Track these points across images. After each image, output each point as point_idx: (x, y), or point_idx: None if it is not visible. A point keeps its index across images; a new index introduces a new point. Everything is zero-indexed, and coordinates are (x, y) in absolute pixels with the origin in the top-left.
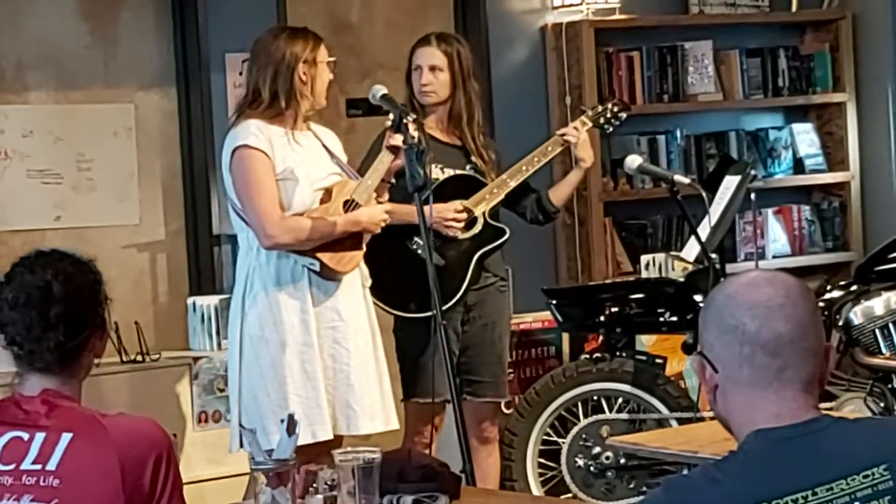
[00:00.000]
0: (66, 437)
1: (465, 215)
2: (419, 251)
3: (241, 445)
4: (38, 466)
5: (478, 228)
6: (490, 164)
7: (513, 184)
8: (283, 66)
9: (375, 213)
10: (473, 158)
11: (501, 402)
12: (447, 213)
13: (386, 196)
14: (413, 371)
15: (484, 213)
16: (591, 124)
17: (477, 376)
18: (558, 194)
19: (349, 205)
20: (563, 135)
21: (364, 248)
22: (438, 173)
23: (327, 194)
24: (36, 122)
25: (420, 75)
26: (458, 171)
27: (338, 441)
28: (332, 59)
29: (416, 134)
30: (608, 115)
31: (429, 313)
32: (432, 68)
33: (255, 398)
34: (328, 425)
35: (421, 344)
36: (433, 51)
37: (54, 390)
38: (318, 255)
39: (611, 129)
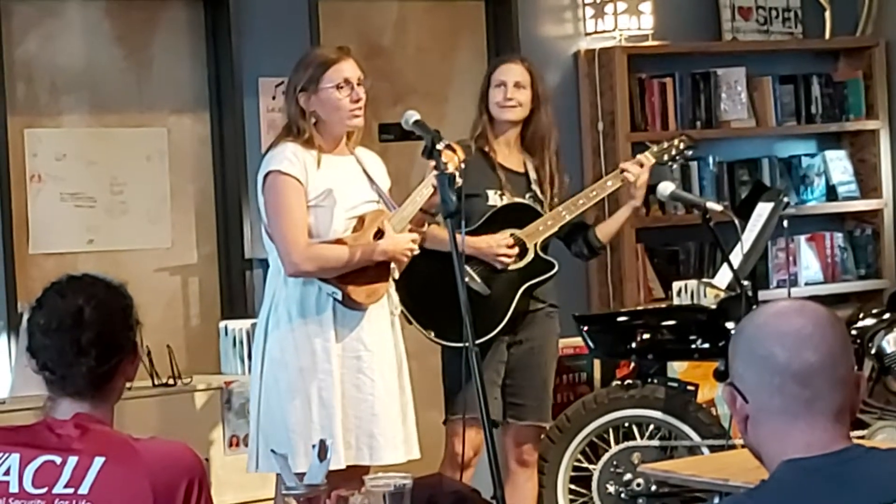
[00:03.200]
0: (98, 461)
1: (515, 250)
2: (468, 280)
3: (258, 466)
4: (71, 490)
5: (528, 260)
6: (560, 191)
7: (568, 217)
8: (289, 96)
9: (401, 242)
10: (534, 187)
11: (546, 427)
12: (499, 249)
13: (425, 227)
14: (455, 391)
15: (536, 245)
16: (654, 160)
17: (521, 399)
18: (605, 230)
19: (381, 235)
20: (623, 171)
21: (391, 280)
22: (497, 200)
23: (360, 223)
24: (69, 146)
25: (504, 90)
26: (517, 200)
27: (365, 469)
28: (344, 77)
29: (448, 161)
30: (673, 153)
31: (467, 343)
32: (517, 84)
33: (272, 421)
34: (341, 454)
35: (464, 367)
36: (518, 67)
37: (86, 414)
38: (342, 284)
39: (675, 165)
